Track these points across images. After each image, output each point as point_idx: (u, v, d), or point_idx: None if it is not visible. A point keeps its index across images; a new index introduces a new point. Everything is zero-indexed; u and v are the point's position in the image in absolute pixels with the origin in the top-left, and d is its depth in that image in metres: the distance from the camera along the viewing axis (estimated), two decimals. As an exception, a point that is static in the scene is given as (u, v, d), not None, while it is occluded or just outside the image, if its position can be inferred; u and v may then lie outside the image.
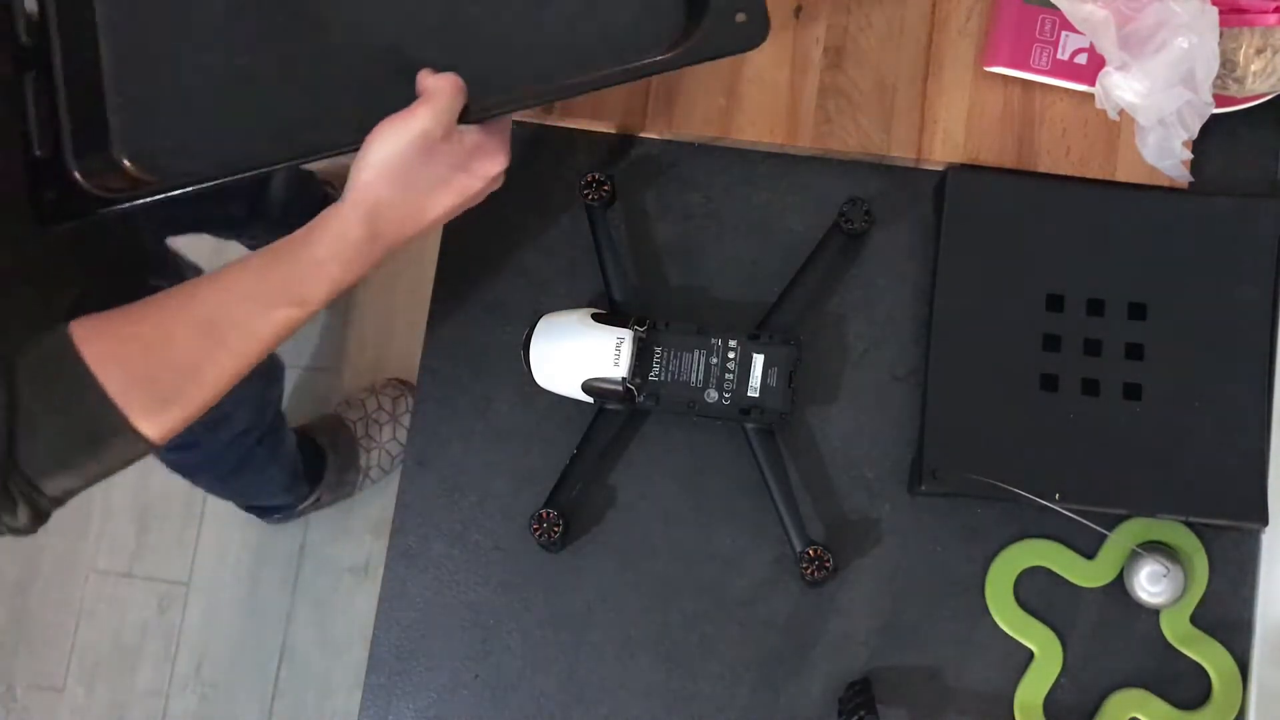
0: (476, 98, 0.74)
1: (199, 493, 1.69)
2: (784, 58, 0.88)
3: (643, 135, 0.89)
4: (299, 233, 0.70)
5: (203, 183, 0.75)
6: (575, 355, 0.81)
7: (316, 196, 1.49)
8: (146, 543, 1.69)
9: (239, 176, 0.75)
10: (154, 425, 0.66)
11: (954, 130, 0.87)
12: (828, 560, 0.80)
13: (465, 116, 0.73)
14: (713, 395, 0.81)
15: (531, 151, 0.89)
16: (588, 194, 0.85)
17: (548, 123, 0.90)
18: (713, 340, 0.81)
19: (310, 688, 1.64)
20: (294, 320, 0.70)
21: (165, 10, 0.80)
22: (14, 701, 1.67)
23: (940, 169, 0.87)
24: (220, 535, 1.68)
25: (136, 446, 0.66)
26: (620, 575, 0.84)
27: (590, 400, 0.82)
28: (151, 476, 1.69)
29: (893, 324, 0.86)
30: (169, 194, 0.75)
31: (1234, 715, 0.80)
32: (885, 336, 0.86)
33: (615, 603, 0.84)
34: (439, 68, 0.73)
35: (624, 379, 0.80)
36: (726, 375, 0.81)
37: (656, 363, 0.81)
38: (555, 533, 0.81)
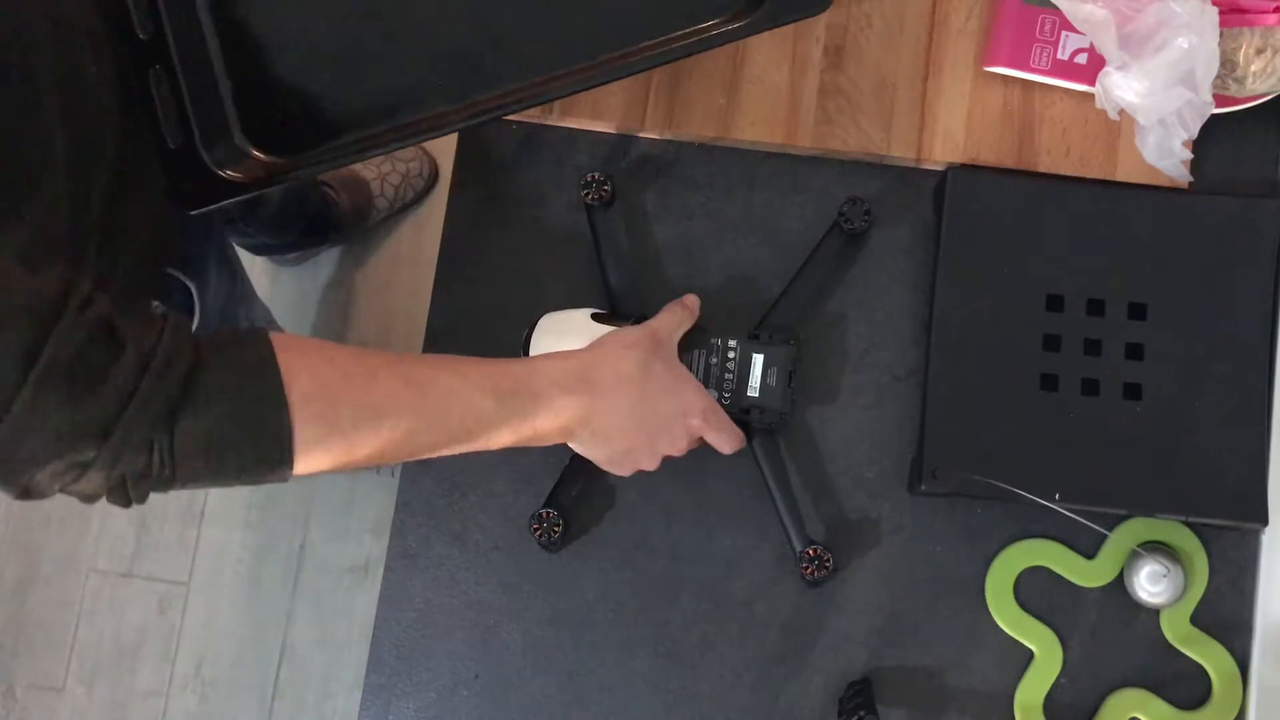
0: (559, 69, 0.77)
1: (199, 493, 1.69)
2: (784, 57, 0.88)
3: (642, 135, 0.89)
4: (530, 359, 0.75)
5: (321, 165, 0.78)
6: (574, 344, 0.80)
7: (313, 197, 1.49)
8: (146, 543, 1.69)
9: (355, 157, 0.78)
10: (310, 454, 0.62)
11: (954, 130, 0.87)
12: (828, 560, 0.80)
13: (547, 93, 0.77)
14: (712, 395, 0.80)
15: (531, 151, 0.89)
16: (587, 194, 0.85)
17: (547, 122, 0.90)
18: (712, 340, 0.81)
19: (310, 688, 1.64)
20: (488, 420, 0.68)
21: None
22: (14, 701, 1.67)
23: (940, 169, 0.87)
24: (220, 535, 1.68)
25: (280, 471, 0.63)
26: (620, 575, 0.84)
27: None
28: (151, 476, 1.70)
29: (893, 324, 0.86)
30: (295, 176, 0.77)
31: (1234, 715, 0.80)
32: (885, 336, 0.86)
33: (615, 602, 0.84)
34: (521, 34, 0.77)
35: None
36: (726, 375, 0.81)
37: None
38: (555, 532, 0.81)
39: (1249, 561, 0.82)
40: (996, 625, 0.82)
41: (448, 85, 0.79)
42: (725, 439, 0.78)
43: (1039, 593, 0.83)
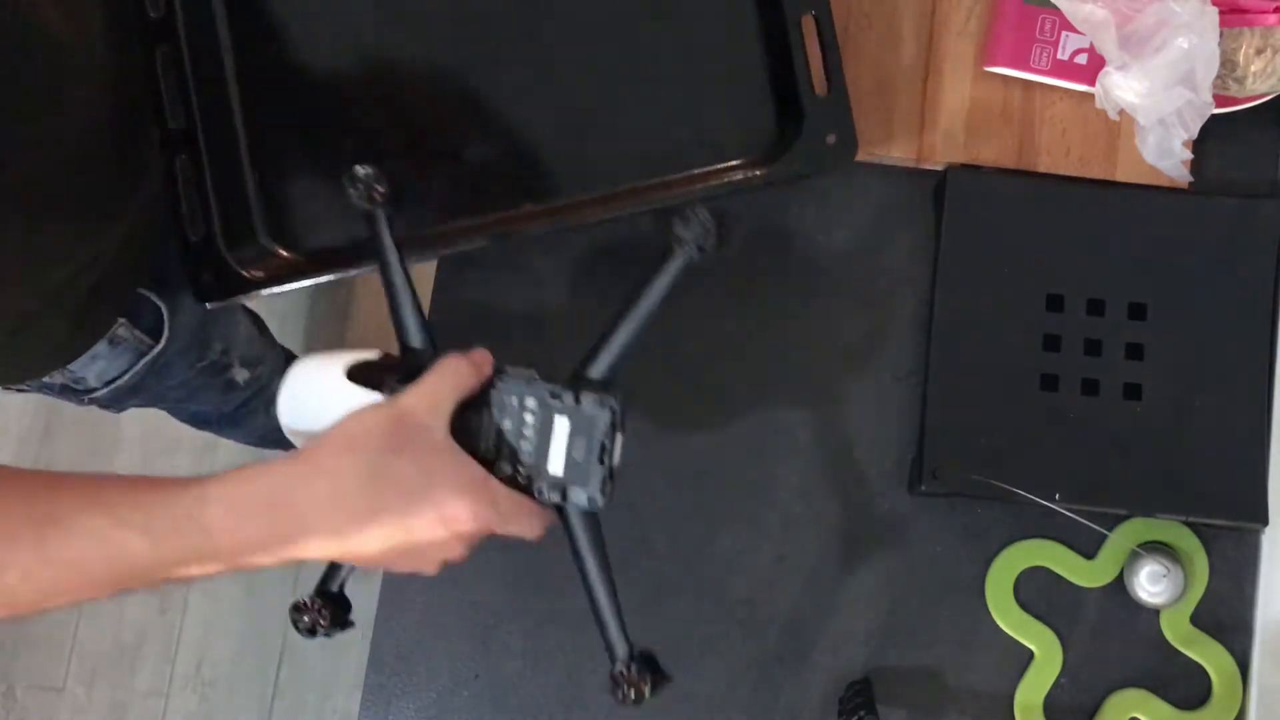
0: (580, 194, 0.78)
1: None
2: (784, 58, 0.88)
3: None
4: (203, 481, 0.58)
5: (348, 270, 0.77)
6: (325, 425, 0.61)
7: None
8: (146, 543, 1.69)
9: (372, 266, 0.71)
10: None
11: (954, 130, 0.87)
12: (644, 685, 0.65)
13: (580, 217, 0.76)
14: (505, 469, 0.63)
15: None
16: (356, 192, 0.67)
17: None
18: (506, 398, 0.63)
19: (310, 688, 1.64)
20: (143, 559, 0.56)
21: (296, 93, 0.81)
22: (14, 701, 1.67)
23: (940, 169, 0.87)
24: (220, 535, 1.68)
25: None
26: (620, 575, 0.84)
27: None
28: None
29: (893, 324, 0.86)
30: (316, 280, 0.77)
31: (1234, 715, 0.80)
32: (885, 336, 0.86)
33: (615, 603, 0.84)
34: (548, 157, 0.78)
35: None
36: (524, 444, 0.63)
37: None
38: (322, 623, 0.68)
39: (1249, 561, 0.82)
40: (996, 625, 0.82)
41: (470, 202, 0.79)
42: (522, 527, 0.63)
43: (1039, 593, 0.83)
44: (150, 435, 1.71)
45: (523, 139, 0.81)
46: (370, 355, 0.65)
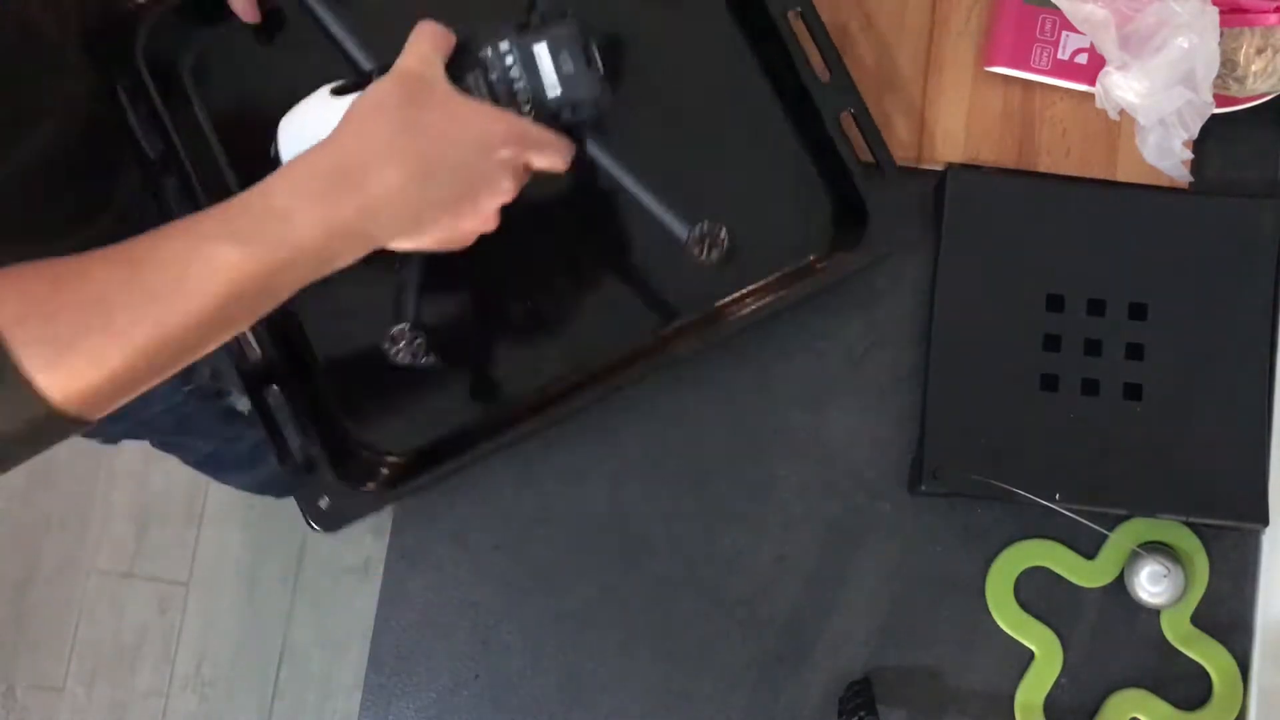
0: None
1: (199, 493, 1.69)
2: (784, 58, 0.88)
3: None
4: (263, 181, 0.60)
5: (462, 457, 0.77)
6: None
7: None
8: (146, 543, 1.69)
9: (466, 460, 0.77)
10: (53, 378, 0.53)
11: (954, 130, 0.87)
12: (720, 233, 0.73)
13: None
14: (512, 113, 0.67)
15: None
16: None
17: None
18: (480, 54, 0.66)
19: (310, 688, 1.64)
20: (238, 267, 0.56)
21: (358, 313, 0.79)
22: (14, 701, 1.67)
23: (940, 169, 0.87)
24: (220, 535, 1.68)
25: (33, 406, 0.53)
26: (620, 575, 0.84)
27: None
28: (151, 476, 1.70)
29: (893, 324, 0.86)
30: (435, 474, 0.77)
31: (1234, 715, 0.80)
32: (885, 336, 0.86)
33: (615, 602, 0.84)
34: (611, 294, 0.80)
35: None
36: (515, 84, 0.66)
37: None
38: (419, 350, 0.72)
39: (1249, 561, 0.82)
40: (996, 625, 0.82)
41: (574, 360, 0.80)
42: (552, 154, 0.66)
43: (1039, 593, 0.83)
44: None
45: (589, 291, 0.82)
46: (332, 85, 0.68)
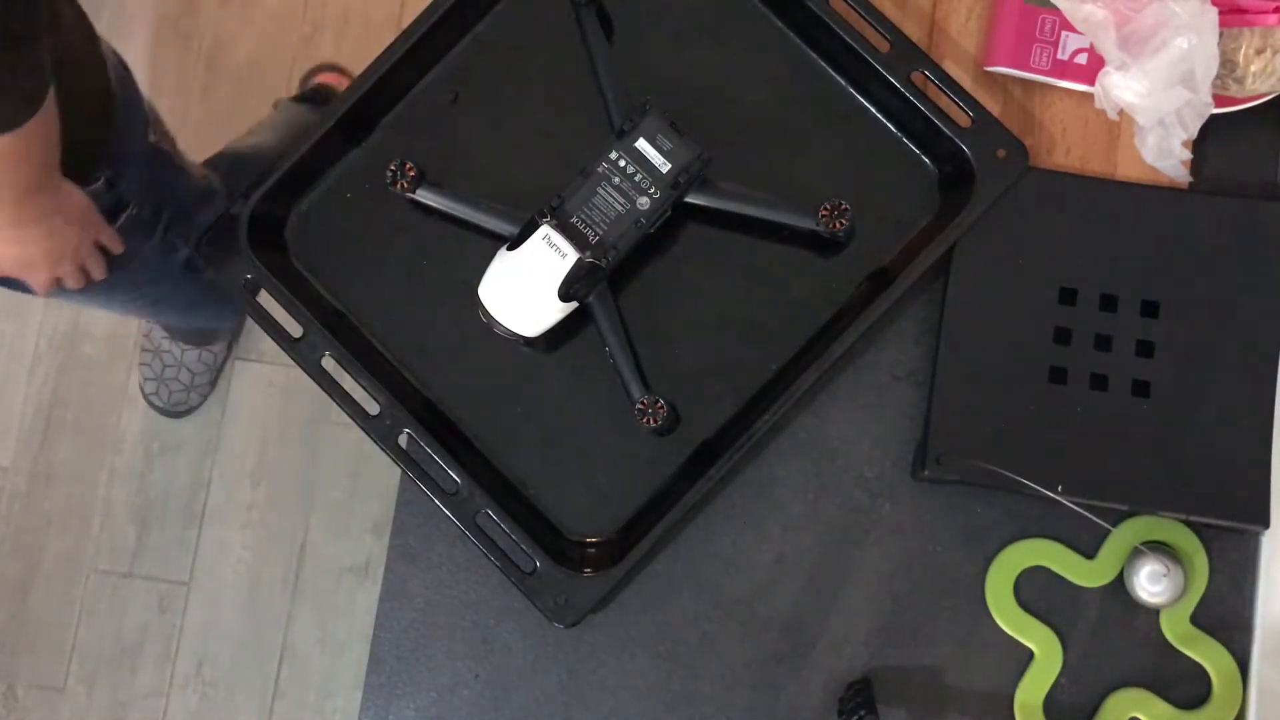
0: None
1: (199, 492, 1.69)
2: (784, 58, 0.88)
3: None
4: None
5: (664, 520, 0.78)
6: (530, 280, 0.79)
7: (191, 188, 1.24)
8: (146, 543, 1.69)
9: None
10: None
11: (954, 130, 0.87)
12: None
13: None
14: (645, 202, 0.79)
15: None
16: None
17: None
18: (599, 168, 0.79)
19: (310, 688, 1.64)
20: None
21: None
22: (14, 701, 1.67)
23: (940, 169, 0.87)
24: (220, 535, 1.68)
25: None
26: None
27: (572, 307, 0.81)
28: (151, 476, 1.70)
29: (893, 324, 0.86)
30: (641, 553, 0.78)
31: (1234, 715, 0.80)
32: (885, 336, 0.86)
33: (615, 602, 0.84)
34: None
35: (580, 257, 0.78)
36: (637, 178, 0.79)
37: (583, 225, 0.79)
38: (662, 416, 0.81)
39: (1249, 561, 0.82)
40: (996, 625, 0.82)
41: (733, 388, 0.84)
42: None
43: (1039, 593, 0.83)
44: (150, 435, 1.71)
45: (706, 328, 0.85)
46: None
